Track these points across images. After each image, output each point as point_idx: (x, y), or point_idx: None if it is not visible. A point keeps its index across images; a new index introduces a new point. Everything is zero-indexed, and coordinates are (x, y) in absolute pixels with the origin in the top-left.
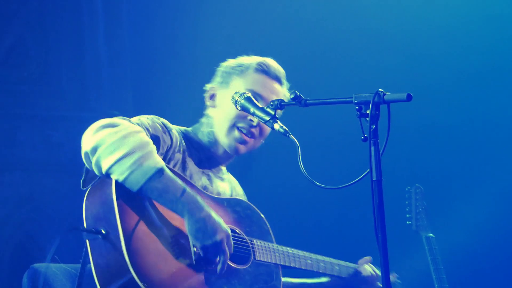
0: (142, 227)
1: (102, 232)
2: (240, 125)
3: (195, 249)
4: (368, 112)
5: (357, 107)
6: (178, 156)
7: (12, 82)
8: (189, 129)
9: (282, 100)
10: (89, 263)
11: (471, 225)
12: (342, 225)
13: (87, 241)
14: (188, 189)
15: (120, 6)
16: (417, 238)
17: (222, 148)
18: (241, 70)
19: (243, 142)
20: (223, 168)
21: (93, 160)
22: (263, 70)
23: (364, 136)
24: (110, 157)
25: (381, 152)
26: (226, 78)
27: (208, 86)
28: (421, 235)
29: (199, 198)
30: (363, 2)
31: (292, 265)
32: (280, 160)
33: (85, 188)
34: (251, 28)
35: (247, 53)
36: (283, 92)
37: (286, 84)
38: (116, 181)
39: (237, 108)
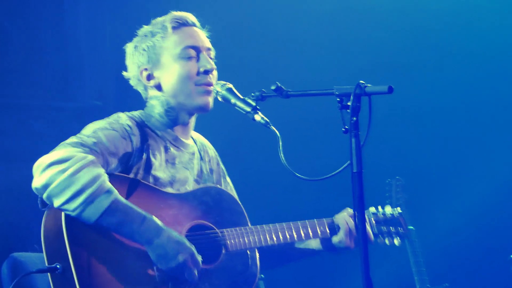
0: (97, 260)
1: (57, 268)
2: (199, 82)
3: (157, 272)
4: (349, 104)
5: (338, 99)
6: (142, 156)
7: None
8: (142, 117)
9: (263, 92)
10: None
11: (451, 218)
12: (322, 217)
13: (49, 274)
14: (147, 216)
15: None
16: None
17: (187, 116)
18: (161, 37)
19: (209, 92)
20: (190, 140)
21: (44, 197)
22: (180, 24)
23: (345, 128)
24: (60, 197)
25: (362, 144)
26: (151, 51)
27: (133, 72)
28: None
29: (156, 222)
30: None
31: (270, 243)
32: (261, 151)
33: (43, 209)
34: (235, 24)
35: (233, 45)
36: (204, 33)
37: (199, 24)
38: (67, 215)
39: (218, 99)
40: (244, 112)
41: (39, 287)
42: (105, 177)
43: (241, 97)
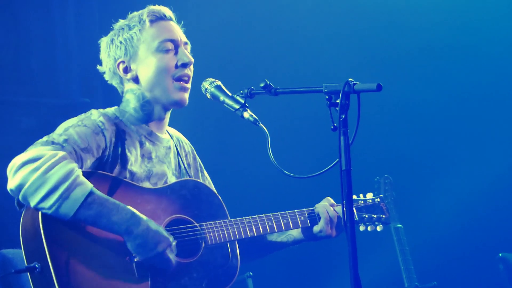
0: (75, 258)
1: (36, 267)
2: (176, 75)
3: (135, 267)
4: (338, 101)
5: (327, 97)
6: (116, 152)
7: None
8: (117, 112)
9: (252, 89)
10: None
11: (440, 216)
12: None
13: (28, 273)
14: (121, 206)
15: None
16: (385, 228)
17: (162, 110)
18: (139, 30)
19: (185, 89)
20: (165, 135)
21: (20, 197)
22: (157, 17)
23: (333, 126)
24: (35, 196)
25: (350, 141)
26: (129, 43)
27: (108, 66)
28: (390, 225)
29: (134, 212)
30: None
31: (250, 235)
32: (250, 149)
33: (20, 210)
34: (224, 21)
35: (222, 42)
36: (180, 28)
37: (175, 18)
38: (43, 215)
39: (207, 96)
40: (232, 110)
41: (26, 283)
42: (79, 172)
43: (230, 94)
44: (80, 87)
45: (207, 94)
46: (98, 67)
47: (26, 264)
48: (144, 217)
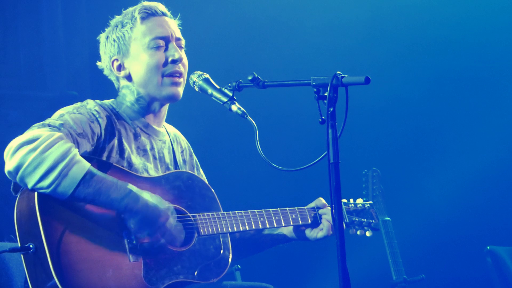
0: (70, 238)
1: (30, 247)
2: (167, 72)
3: (128, 246)
4: (326, 94)
5: (315, 90)
6: (113, 141)
7: None
8: (113, 104)
9: (240, 82)
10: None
11: (428, 209)
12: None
13: (21, 255)
14: (120, 183)
15: None
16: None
17: (158, 105)
18: (130, 28)
19: (177, 83)
20: (162, 129)
21: (17, 178)
22: (148, 14)
23: (321, 119)
24: (33, 176)
25: (338, 134)
26: (121, 41)
27: (105, 63)
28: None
29: (132, 188)
30: None
31: (242, 229)
32: (238, 142)
33: (16, 195)
34: (214, 14)
35: (210, 35)
36: (175, 22)
37: (169, 13)
38: (39, 195)
39: (195, 89)
40: (221, 103)
41: (16, 280)
42: (76, 151)
43: (218, 87)
44: (68, 80)
45: (195, 87)
46: (98, 63)
47: (20, 246)
48: (142, 192)
